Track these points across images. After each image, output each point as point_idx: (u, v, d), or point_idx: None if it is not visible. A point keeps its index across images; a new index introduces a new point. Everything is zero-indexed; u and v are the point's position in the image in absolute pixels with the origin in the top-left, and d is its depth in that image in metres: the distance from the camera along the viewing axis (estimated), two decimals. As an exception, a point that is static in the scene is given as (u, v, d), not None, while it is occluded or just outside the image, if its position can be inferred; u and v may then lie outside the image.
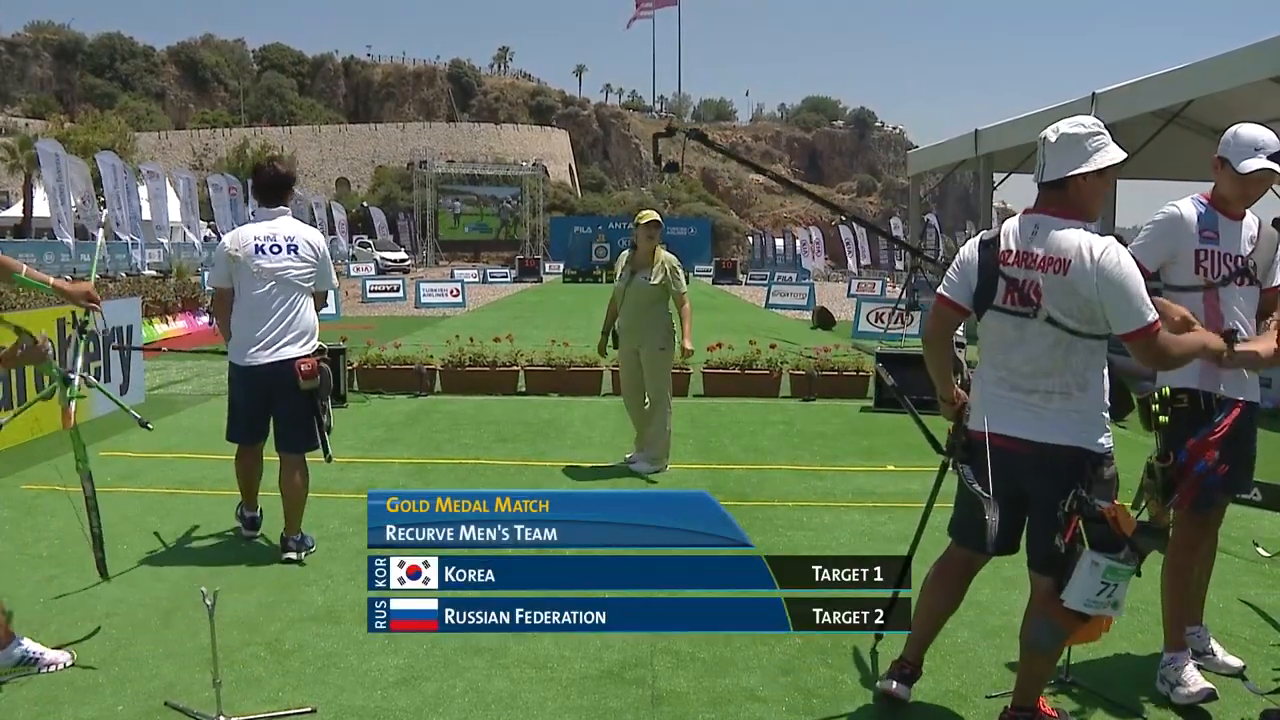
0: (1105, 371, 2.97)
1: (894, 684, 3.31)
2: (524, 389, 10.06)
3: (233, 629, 3.90)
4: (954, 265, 3.13)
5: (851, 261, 45.13)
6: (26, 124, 61.39)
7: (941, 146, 20.47)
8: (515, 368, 10.14)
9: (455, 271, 38.49)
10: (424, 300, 24.22)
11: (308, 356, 4.82)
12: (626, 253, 6.93)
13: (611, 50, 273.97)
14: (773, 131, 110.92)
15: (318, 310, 5.07)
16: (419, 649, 3.77)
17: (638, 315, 6.72)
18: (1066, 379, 2.90)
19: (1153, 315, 2.84)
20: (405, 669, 3.62)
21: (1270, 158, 3.35)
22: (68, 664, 3.61)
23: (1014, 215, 3.09)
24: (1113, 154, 2.90)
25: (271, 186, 5.01)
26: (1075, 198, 2.92)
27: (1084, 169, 2.88)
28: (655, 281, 6.63)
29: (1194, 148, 16.09)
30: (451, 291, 25.05)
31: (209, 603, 3.04)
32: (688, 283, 6.93)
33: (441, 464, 6.98)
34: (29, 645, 3.60)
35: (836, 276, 46.27)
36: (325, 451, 4.93)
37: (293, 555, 4.85)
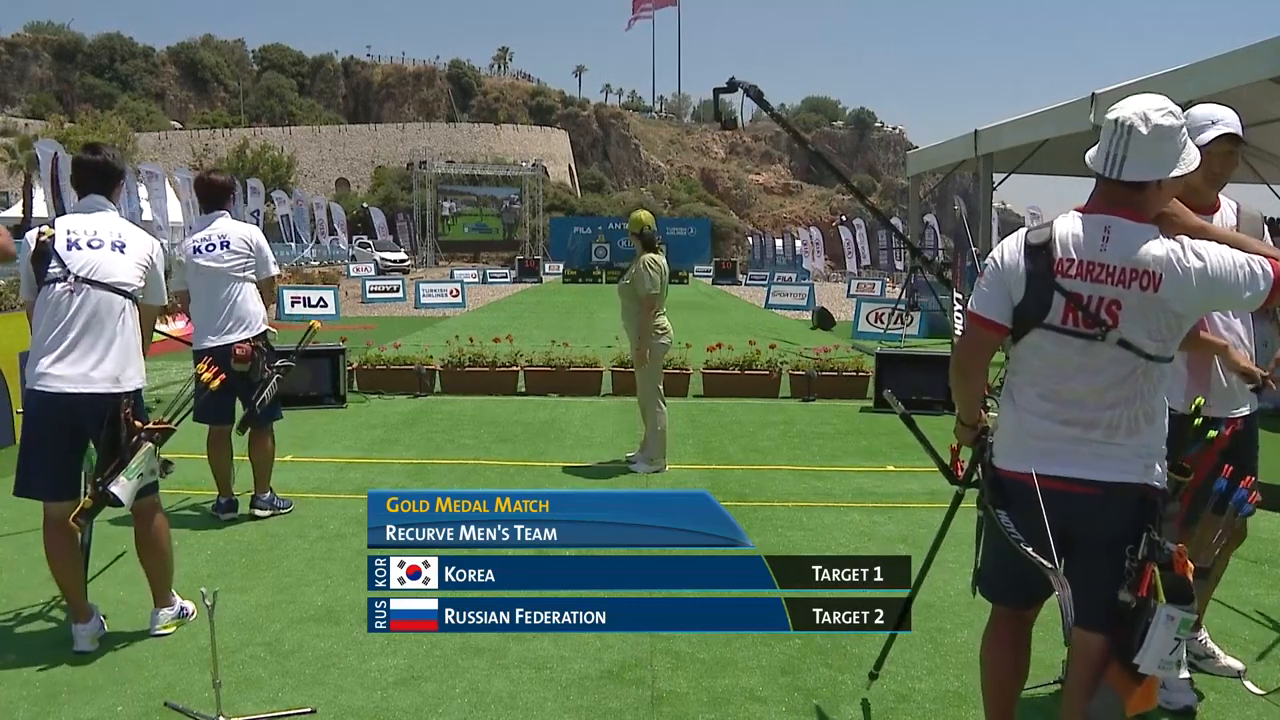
0: (1164, 398, 2.55)
1: None
2: (524, 389, 10.06)
3: (232, 629, 3.90)
4: (988, 275, 2.60)
5: (851, 262, 45.15)
6: (26, 124, 61.35)
7: (941, 147, 20.45)
8: (515, 368, 10.14)
9: (455, 272, 38.51)
10: (424, 301, 24.23)
11: (244, 341, 5.41)
12: None
13: (611, 51, 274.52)
14: (772, 132, 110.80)
15: (268, 297, 5.73)
16: (419, 649, 3.77)
17: (626, 313, 6.80)
18: (1135, 410, 2.46)
19: (1265, 264, 2.44)
20: (405, 669, 3.62)
21: (1229, 138, 3.16)
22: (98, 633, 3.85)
23: (1067, 214, 2.58)
24: (1196, 153, 2.51)
25: (208, 195, 5.67)
26: (1153, 201, 2.47)
27: (1176, 172, 2.43)
28: (627, 282, 6.69)
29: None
30: (451, 292, 25.06)
31: (208, 603, 3.04)
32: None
33: (441, 464, 6.98)
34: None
35: (836, 277, 46.28)
36: (244, 422, 5.51)
37: (261, 513, 5.56)
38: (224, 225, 5.55)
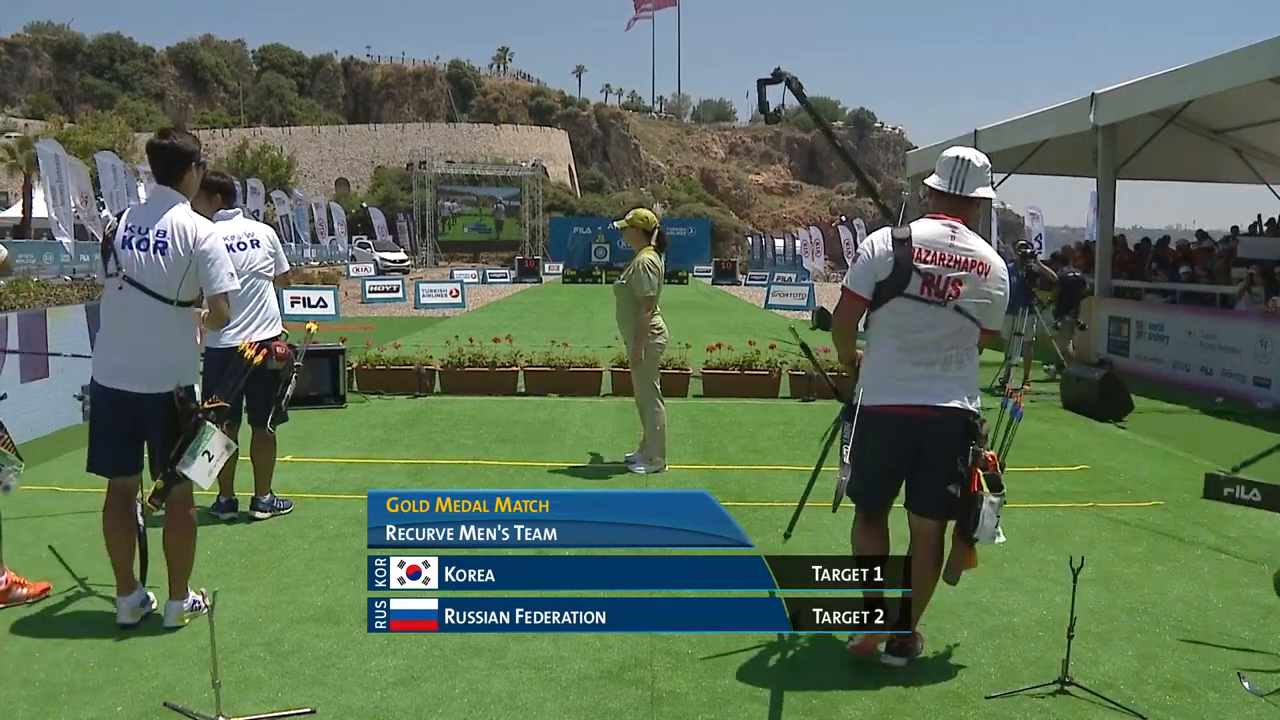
0: (976, 350, 3.65)
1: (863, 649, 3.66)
2: (523, 389, 10.05)
3: (232, 630, 3.89)
4: (860, 262, 3.63)
5: (851, 262, 45.11)
6: (26, 124, 61.34)
7: (940, 147, 20.46)
8: (515, 368, 10.13)
9: (455, 272, 38.48)
10: (423, 301, 24.21)
11: (277, 339, 5.41)
12: None
13: (611, 51, 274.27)
14: (772, 132, 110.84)
15: (282, 288, 5.84)
16: (418, 649, 3.77)
17: (621, 311, 6.80)
18: (960, 352, 3.55)
19: None
20: (404, 669, 3.62)
21: None
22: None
23: (921, 220, 3.63)
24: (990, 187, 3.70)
25: (224, 193, 5.56)
26: (975, 213, 3.66)
27: (984, 193, 3.64)
28: (623, 282, 6.67)
29: (1194, 148, 16.10)
30: (451, 292, 25.05)
31: (208, 603, 3.04)
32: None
33: (441, 464, 6.98)
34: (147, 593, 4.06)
35: (836, 277, 46.23)
36: (273, 422, 5.53)
37: (261, 515, 5.52)
38: (247, 224, 5.60)
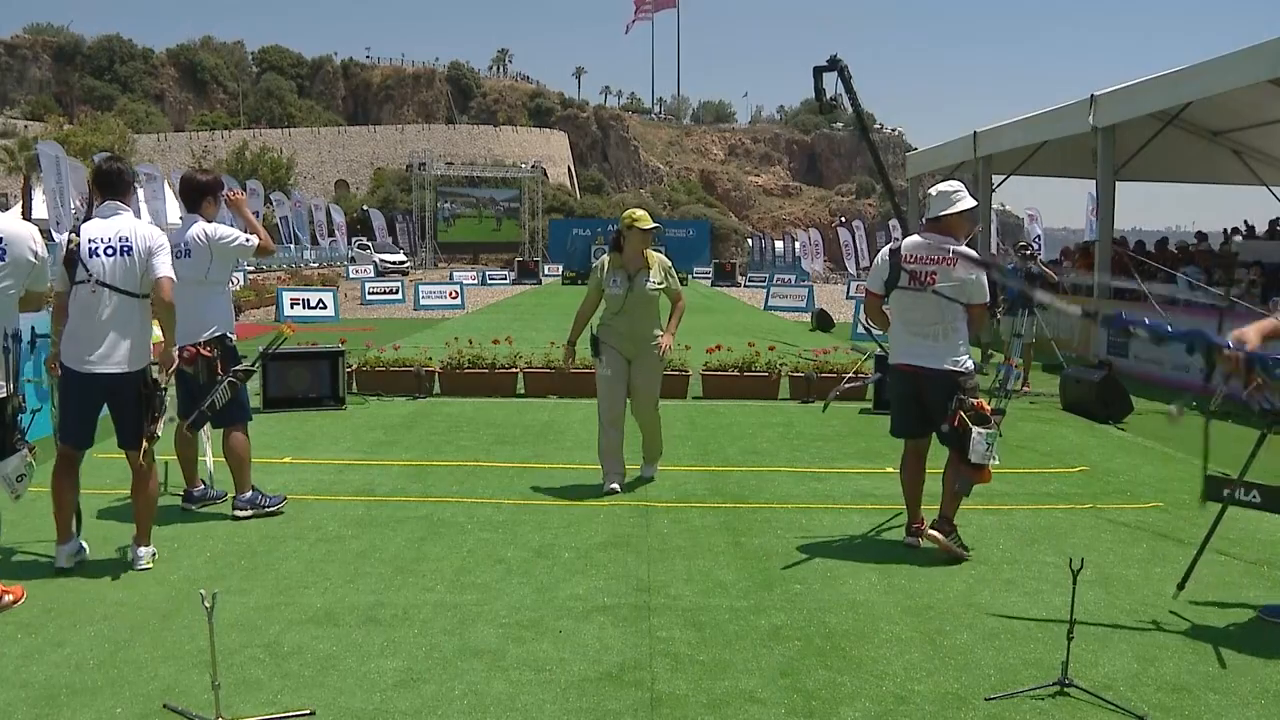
0: (965, 324, 4.96)
1: (917, 537, 5.04)
2: (523, 391, 10.05)
3: (231, 631, 3.89)
4: (873, 269, 5.26)
5: (850, 264, 45.18)
6: (25, 126, 61.34)
7: (940, 148, 20.48)
8: (514, 370, 10.13)
9: (454, 273, 38.48)
10: (423, 302, 24.20)
11: (191, 345, 5.34)
12: (608, 256, 6.34)
13: (610, 52, 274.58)
14: (771, 133, 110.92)
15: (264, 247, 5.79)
16: (418, 651, 3.77)
17: (643, 322, 6.28)
18: (944, 325, 4.92)
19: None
20: (404, 671, 3.61)
21: None
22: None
23: (910, 235, 5.15)
24: (967, 201, 5.03)
25: (185, 195, 5.67)
26: (947, 226, 5.03)
27: (950, 211, 5.00)
28: (659, 285, 6.23)
29: (1193, 149, 16.12)
30: (450, 294, 25.04)
31: (207, 605, 3.04)
32: (684, 285, 6.86)
33: (440, 466, 6.97)
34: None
35: (835, 279, 46.29)
36: (196, 423, 5.49)
37: (241, 513, 5.53)
38: (190, 229, 5.45)
